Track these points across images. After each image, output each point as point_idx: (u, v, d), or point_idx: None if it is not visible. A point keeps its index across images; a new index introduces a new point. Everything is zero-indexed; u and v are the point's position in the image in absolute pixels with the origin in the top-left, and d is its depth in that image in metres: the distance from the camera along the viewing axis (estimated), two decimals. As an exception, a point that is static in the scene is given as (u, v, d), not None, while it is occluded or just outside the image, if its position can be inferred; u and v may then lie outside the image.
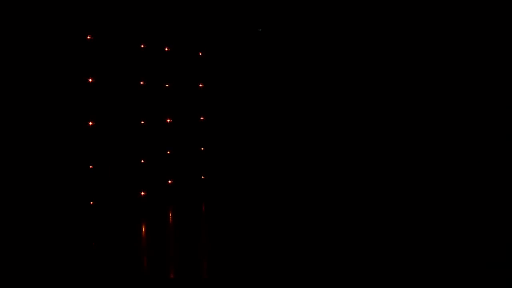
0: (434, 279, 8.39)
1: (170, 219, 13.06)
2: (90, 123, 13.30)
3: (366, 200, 13.84)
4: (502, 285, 8.15)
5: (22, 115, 11.86)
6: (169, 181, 15.72)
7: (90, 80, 13.28)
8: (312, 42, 15.92)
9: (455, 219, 11.83)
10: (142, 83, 15.05)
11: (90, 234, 11.54)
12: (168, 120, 15.87)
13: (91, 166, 13.16)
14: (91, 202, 12.86)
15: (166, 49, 15.62)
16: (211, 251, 10.42)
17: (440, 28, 14.86)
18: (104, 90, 13.63)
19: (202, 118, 16.61)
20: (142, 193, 14.59)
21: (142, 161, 14.92)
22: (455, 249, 9.74)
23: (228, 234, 11.40)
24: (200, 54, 16.34)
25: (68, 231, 11.51)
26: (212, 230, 12.16)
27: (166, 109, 15.78)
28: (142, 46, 14.90)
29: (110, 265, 9.19)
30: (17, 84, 11.81)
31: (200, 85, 16.47)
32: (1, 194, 11.15)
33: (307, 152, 16.00)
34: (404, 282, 8.38)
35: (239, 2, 15.68)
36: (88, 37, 13.17)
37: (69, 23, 12.56)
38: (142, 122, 15.04)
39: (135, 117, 14.83)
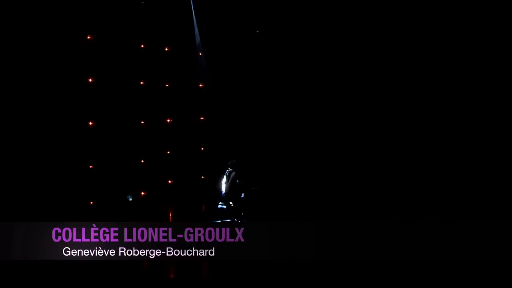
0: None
1: (170, 219, 13.05)
2: (90, 123, 13.33)
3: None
4: None
5: (22, 115, 11.88)
6: (169, 181, 15.74)
7: (90, 80, 13.31)
8: (310, 43, 15.93)
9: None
10: (142, 83, 15.07)
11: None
12: (168, 120, 15.89)
13: (91, 166, 13.18)
14: (91, 202, 12.88)
15: (166, 49, 15.64)
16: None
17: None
18: (104, 90, 13.66)
19: (202, 118, 16.62)
20: (142, 193, 14.61)
21: (142, 161, 14.94)
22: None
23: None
24: (200, 54, 16.34)
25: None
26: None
27: (166, 109, 15.80)
28: (142, 46, 14.93)
29: (110, 265, 9.19)
30: (17, 84, 11.82)
31: (200, 85, 16.48)
32: (0, 193, 11.18)
33: (305, 152, 16.03)
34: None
35: (238, 4, 15.69)
36: (88, 37, 13.20)
37: (69, 23, 12.59)
38: (142, 122, 15.06)
39: (135, 117, 14.87)
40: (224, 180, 11.86)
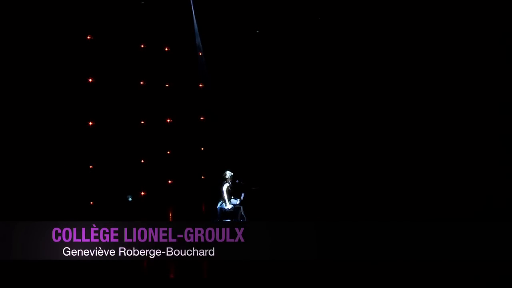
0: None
1: (170, 219, 13.06)
2: (90, 123, 13.33)
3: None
4: None
5: (22, 115, 11.88)
6: (169, 181, 15.74)
7: (90, 80, 13.31)
8: (310, 43, 15.92)
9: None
10: (142, 83, 15.07)
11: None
12: (168, 120, 15.89)
13: (91, 166, 13.18)
14: (91, 202, 12.87)
15: (166, 49, 15.63)
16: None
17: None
18: (104, 90, 13.66)
19: (202, 118, 16.61)
20: (142, 193, 14.61)
21: (142, 161, 14.94)
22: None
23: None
24: (200, 54, 16.34)
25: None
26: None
27: (166, 109, 15.80)
28: (142, 46, 14.92)
29: (110, 265, 9.20)
30: (17, 84, 11.82)
31: (200, 85, 16.47)
32: (0, 193, 11.17)
33: (305, 153, 16.03)
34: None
35: (238, 4, 15.68)
36: (88, 37, 13.20)
37: (69, 23, 12.59)
38: (142, 122, 15.06)
39: (135, 117, 14.86)
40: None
